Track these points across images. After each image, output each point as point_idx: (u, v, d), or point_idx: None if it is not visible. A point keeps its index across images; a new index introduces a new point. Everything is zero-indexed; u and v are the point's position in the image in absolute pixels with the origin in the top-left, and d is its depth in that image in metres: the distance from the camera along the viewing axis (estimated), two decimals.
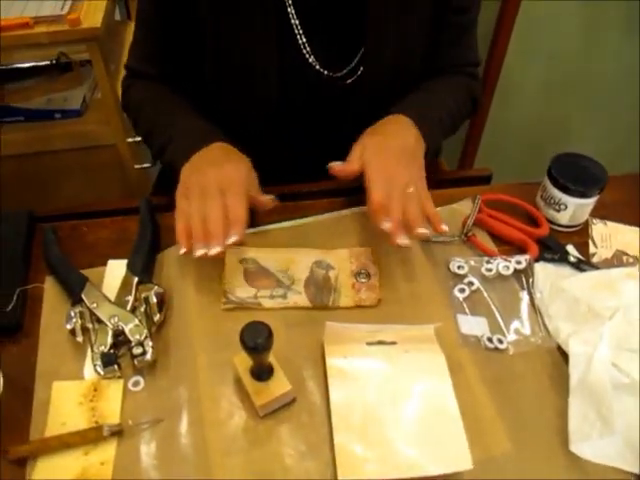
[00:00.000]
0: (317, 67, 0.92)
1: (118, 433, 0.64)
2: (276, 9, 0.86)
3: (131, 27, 1.00)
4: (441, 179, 1.00)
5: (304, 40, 0.89)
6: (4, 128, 1.49)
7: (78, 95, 1.54)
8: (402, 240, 0.73)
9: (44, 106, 1.51)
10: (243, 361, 0.64)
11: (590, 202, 0.83)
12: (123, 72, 1.02)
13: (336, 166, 0.82)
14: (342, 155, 0.94)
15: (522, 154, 2.02)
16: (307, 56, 0.91)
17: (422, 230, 0.74)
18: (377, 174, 0.77)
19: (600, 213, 0.88)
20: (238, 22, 0.86)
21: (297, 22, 0.88)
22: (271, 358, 0.64)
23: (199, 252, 0.72)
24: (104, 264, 0.80)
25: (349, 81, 0.94)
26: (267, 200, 0.82)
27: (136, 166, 1.59)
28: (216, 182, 0.76)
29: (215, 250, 0.72)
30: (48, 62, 1.33)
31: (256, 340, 0.58)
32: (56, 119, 1.50)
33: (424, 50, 0.95)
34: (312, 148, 0.99)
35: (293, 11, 0.87)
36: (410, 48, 0.92)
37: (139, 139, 1.02)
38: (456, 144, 1.98)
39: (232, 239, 0.72)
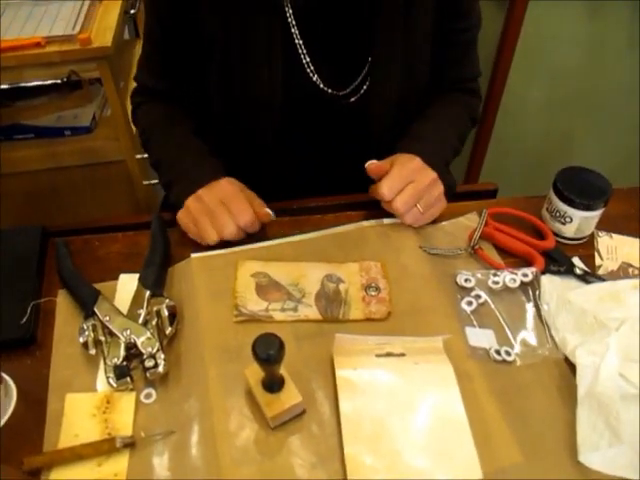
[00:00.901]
0: (321, 85, 0.93)
1: (131, 445, 0.64)
2: (280, 29, 0.88)
3: (140, 45, 1.02)
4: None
5: (308, 59, 0.91)
6: (15, 145, 1.51)
7: (88, 112, 1.56)
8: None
9: (54, 123, 1.53)
10: (254, 373, 0.65)
11: (595, 215, 0.84)
12: (132, 87, 1.04)
13: (373, 164, 0.87)
14: (344, 171, 0.95)
15: (526, 170, 2.03)
16: (311, 75, 0.92)
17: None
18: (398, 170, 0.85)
19: (605, 226, 0.89)
20: (243, 41, 0.88)
21: (301, 42, 0.89)
22: (282, 370, 0.65)
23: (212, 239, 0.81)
24: (116, 278, 0.81)
25: (352, 99, 0.95)
26: (266, 213, 0.84)
27: (144, 182, 1.60)
28: (215, 198, 0.82)
29: (229, 231, 0.80)
30: (59, 80, 1.35)
31: (268, 352, 0.58)
32: (66, 136, 1.52)
33: (427, 69, 0.97)
34: (315, 163, 1.01)
35: (297, 31, 0.89)
36: (414, 66, 0.94)
37: (147, 156, 1.04)
38: (461, 160, 1.99)
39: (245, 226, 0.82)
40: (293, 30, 0.88)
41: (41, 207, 1.57)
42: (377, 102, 0.94)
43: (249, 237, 0.85)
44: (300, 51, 0.90)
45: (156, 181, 1.60)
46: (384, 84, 0.93)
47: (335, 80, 0.93)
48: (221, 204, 0.82)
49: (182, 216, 0.85)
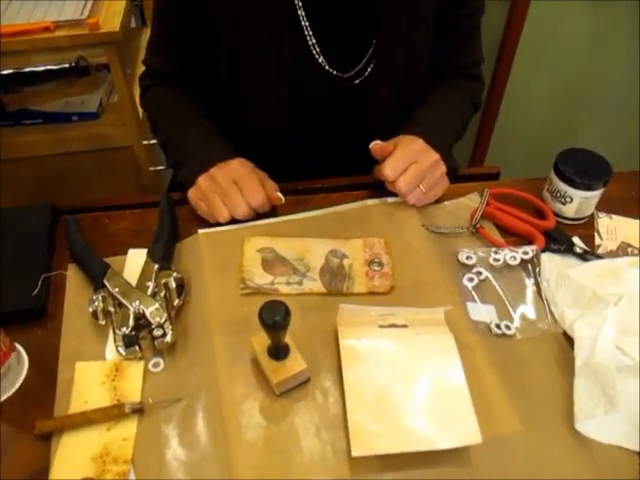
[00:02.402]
0: (327, 67, 0.95)
1: (139, 411, 0.66)
2: (287, 11, 0.89)
3: (146, 33, 1.04)
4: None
5: (314, 41, 0.92)
6: (23, 130, 1.53)
7: (95, 99, 1.58)
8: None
9: (62, 109, 1.55)
10: (260, 341, 0.67)
11: (595, 195, 0.86)
12: (139, 73, 1.06)
13: (377, 145, 0.88)
14: (349, 154, 0.97)
15: (529, 157, 2.04)
16: (317, 57, 0.93)
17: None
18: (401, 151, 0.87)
19: (605, 207, 0.90)
20: (250, 24, 0.89)
21: (307, 24, 0.91)
22: (287, 339, 0.66)
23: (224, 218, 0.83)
24: (124, 253, 0.83)
25: (357, 81, 0.97)
26: (277, 198, 0.86)
27: (151, 168, 1.62)
28: (228, 177, 0.84)
29: (241, 211, 0.83)
30: (67, 65, 1.37)
31: (274, 318, 0.60)
32: (73, 121, 1.54)
33: (431, 52, 0.98)
34: (320, 147, 1.02)
35: (303, 13, 0.90)
36: (418, 49, 0.95)
37: (154, 142, 1.06)
38: (466, 147, 2.00)
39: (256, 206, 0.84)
40: (299, 12, 0.90)
41: (49, 192, 1.59)
42: (381, 85, 0.96)
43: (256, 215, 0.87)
44: (306, 33, 0.91)
45: (162, 167, 1.63)
46: (388, 67, 0.95)
47: (341, 62, 0.95)
48: (234, 184, 0.83)
49: (193, 194, 0.86)
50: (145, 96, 1.05)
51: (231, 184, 0.83)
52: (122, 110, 1.51)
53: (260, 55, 0.91)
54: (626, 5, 1.71)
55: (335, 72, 0.95)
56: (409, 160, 0.86)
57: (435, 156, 0.87)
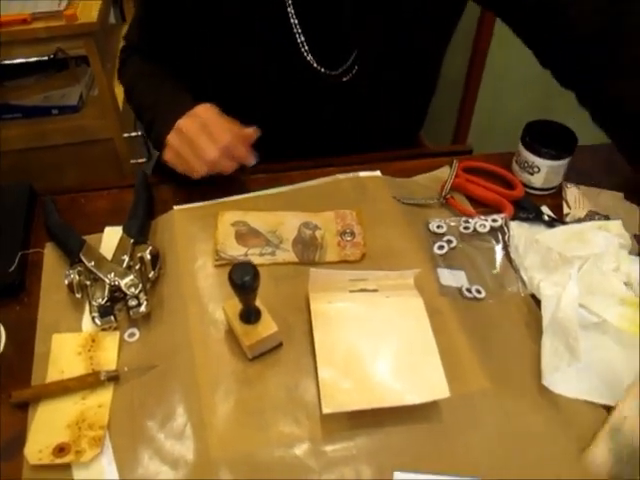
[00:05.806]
0: (314, 65, 0.94)
1: (115, 379, 0.67)
2: (276, 9, 0.88)
3: (125, 29, 1.06)
4: (424, 153, 1.04)
5: (302, 39, 0.91)
6: (3, 124, 1.54)
7: (75, 92, 1.59)
8: None
9: (41, 103, 1.56)
10: (232, 306, 0.68)
11: (562, 164, 0.88)
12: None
13: None
14: (334, 152, 0.96)
15: (508, 145, 2.06)
16: (305, 54, 0.93)
17: None
18: None
19: (574, 178, 0.92)
20: (238, 22, 0.89)
21: (296, 21, 0.90)
22: (259, 304, 0.68)
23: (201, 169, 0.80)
24: (101, 232, 0.84)
25: (345, 79, 0.96)
26: (249, 133, 0.83)
27: (132, 161, 1.63)
28: (194, 125, 0.81)
29: (211, 156, 0.79)
30: (46, 57, 1.38)
31: (243, 278, 0.61)
32: (53, 115, 1.55)
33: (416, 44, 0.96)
34: (306, 148, 1.01)
35: (292, 11, 0.89)
36: (401, 45, 0.94)
37: (135, 134, 1.06)
38: (444, 136, 2.03)
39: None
40: (289, 9, 0.89)
41: None
42: (368, 82, 0.96)
43: (229, 192, 0.88)
44: (295, 30, 0.90)
45: (143, 160, 1.64)
46: (373, 66, 0.94)
47: (328, 60, 0.94)
48: (200, 130, 0.80)
49: (167, 155, 0.84)
50: (122, 69, 1.05)
51: (197, 131, 0.80)
52: (102, 103, 1.52)
53: (247, 53, 0.91)
54: None
55: (323, 70, 0.95)
56: None
57: None
